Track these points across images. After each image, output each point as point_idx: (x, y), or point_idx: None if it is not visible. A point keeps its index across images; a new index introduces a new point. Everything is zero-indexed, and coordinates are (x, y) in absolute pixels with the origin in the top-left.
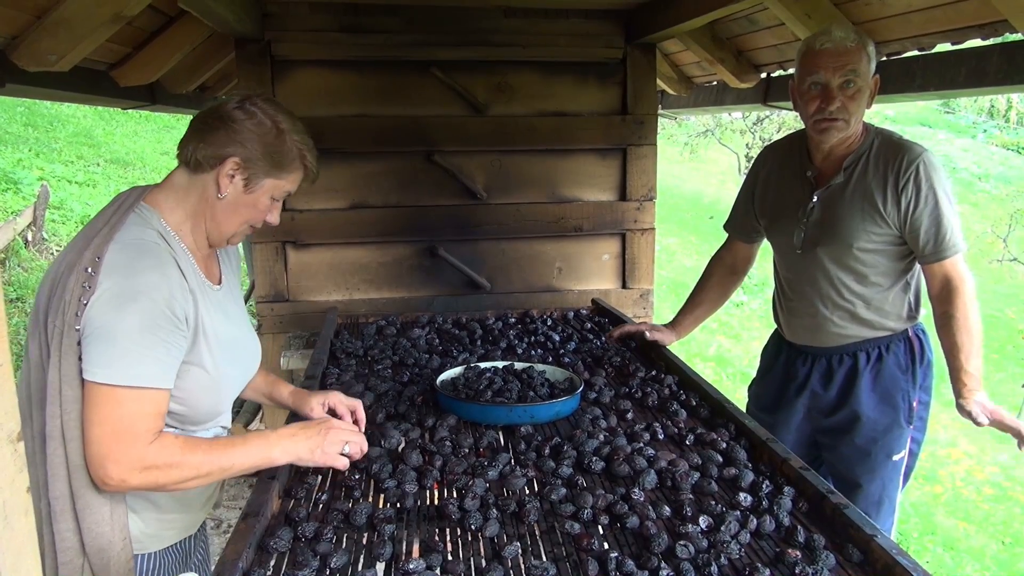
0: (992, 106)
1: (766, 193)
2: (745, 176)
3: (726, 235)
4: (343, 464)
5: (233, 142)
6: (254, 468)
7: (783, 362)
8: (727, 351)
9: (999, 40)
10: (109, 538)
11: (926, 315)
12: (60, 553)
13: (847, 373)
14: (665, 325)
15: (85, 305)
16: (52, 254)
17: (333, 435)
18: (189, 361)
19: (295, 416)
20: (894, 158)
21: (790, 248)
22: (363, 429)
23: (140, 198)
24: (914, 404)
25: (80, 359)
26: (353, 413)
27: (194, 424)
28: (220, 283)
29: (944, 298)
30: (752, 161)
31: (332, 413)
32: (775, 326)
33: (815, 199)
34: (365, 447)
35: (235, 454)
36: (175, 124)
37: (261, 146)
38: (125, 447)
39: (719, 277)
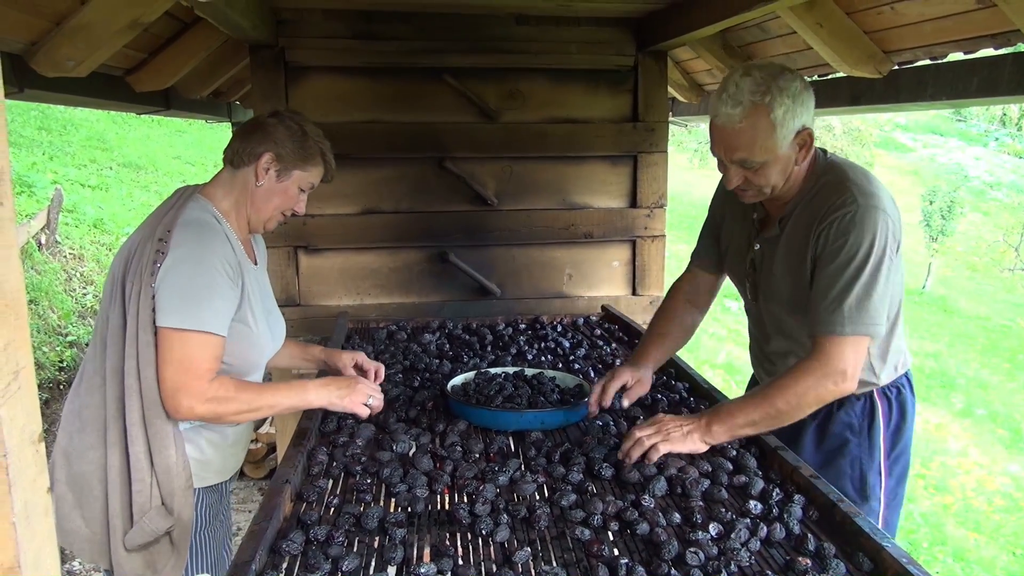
0: (1004, 114)
1: (726, 225)
2: (711, 200)
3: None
4: (364, 412)
5: (268, 141)
6: (294, 408)
7: None
8: (736, 358)
9: (1012, 50)
10: (174, 461)
11: (894, 376)
12: (134, 471)
13: (793, 427)
14: (631, 365)
15: (159, 267)
16: (65, 257)
17: (361, 387)
18: (236, 319)
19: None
20: (825, 202)
21: (743, 293)
22: (380, 381)
23: (195, 191)
24: (875, 476)
25: (153, 311)
26: (376, 372)
27: (239, 375)
28: (256, 264)
29: (798, 363)
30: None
31: (360, 371)
32: None
33: (757, 247)
34: (382, 403)
35: (278, 395)
36: (187, 128)
37: (290, 143)
38: (192, 380)
39: (680, 310)
